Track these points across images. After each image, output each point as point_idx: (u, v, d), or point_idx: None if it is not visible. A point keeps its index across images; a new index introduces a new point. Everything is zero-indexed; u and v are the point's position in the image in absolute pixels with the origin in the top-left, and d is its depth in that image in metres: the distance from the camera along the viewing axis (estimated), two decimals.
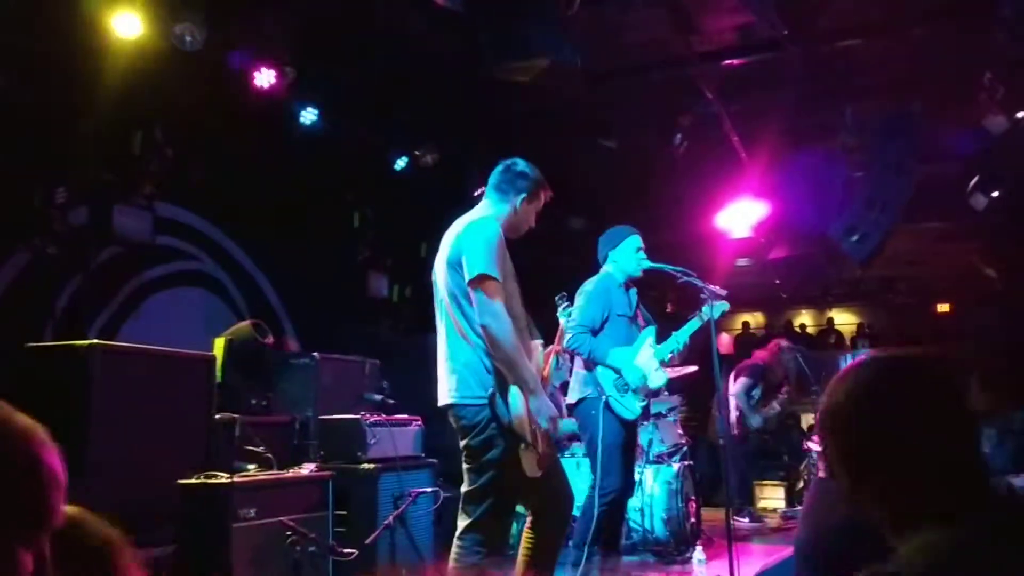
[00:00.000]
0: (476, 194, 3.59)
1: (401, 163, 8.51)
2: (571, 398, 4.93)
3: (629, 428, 4.89)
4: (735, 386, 8.25)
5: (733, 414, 8.20)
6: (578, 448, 6.14)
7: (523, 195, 3.51)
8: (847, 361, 12.32)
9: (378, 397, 5.49)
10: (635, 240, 4.96)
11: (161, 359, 4.59)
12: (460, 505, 3.47)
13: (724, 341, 8.02)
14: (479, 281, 3.20)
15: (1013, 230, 11.42)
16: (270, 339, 5.31)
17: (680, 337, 4.94)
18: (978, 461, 1.30)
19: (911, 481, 1.28)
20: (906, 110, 8.20)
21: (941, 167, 9.44)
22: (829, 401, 1.42)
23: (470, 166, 8.24)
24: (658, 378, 4.88)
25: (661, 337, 5.04)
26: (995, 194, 9.36)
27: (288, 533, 4.11)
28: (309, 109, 7.41)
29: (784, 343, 8.69)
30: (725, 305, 4.89)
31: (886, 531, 1.29)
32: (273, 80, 6.50)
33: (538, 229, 3.69)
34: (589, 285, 4.92)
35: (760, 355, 8.49)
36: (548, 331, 4.64)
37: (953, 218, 10.93)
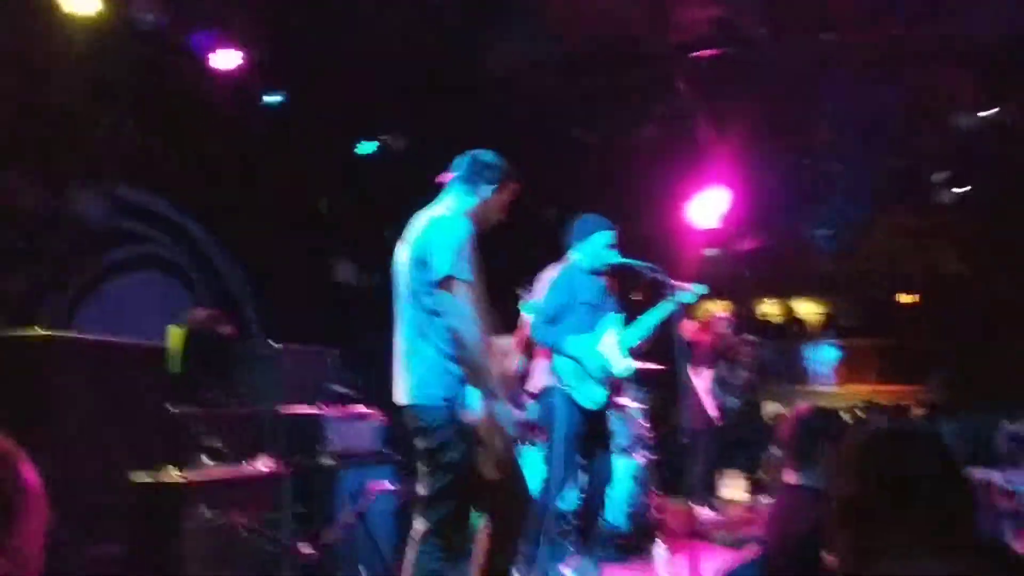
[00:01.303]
0: (439, 180, 3.52)
1: (369, 148, 8.46)
2: (533, 387, 4.95)
3: (592, 418, 4.85)
4: (702, 380, 8.12)
5: (710, 404, 8.08)
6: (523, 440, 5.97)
7: (491, 186, 3.47)
8: (812, 351, 12.37)
9: (340, 389, 5.42)
10: (606, 236, 4.91)
11: (114, 350, 4.47)
12: (417, 508, 3.43)
13: (689, 328, 7.54)
14: (447, 283, 3.16)
15: (980, 226, 11.50)
16: (229, 328, 5.18)
17: (648, 322, 4.92)
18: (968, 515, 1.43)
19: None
20: (879, 105, 8.06)
21: (912, 162, 9.45)
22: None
23: (440, 153, 8.07)
24: (622, 366, 4.86)
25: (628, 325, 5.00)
26: (964, 190, 9.49)
27: (245, 532, 4.03)
28: (273, 92, 7.28)
29: (719, 316, 8.65)
30: (702, 289, 4.88)
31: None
32: (237, 61, 6.35)
33: (508, 220, 3.64)
34: (552, 272, 4.88)
35: (706, 338, 8.36)
36: (511, 323, 4.85)
37: (921, 213, 10.99)
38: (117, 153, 6.44)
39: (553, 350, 4.76)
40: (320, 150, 8.14)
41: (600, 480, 5.00)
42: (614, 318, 4.94)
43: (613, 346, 4.86)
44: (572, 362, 4.73)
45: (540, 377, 4.91)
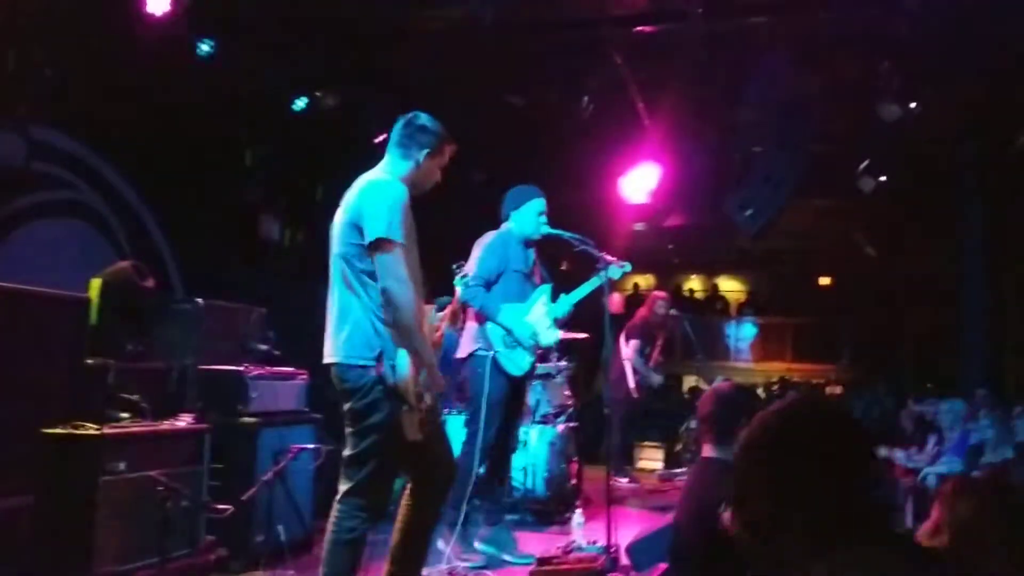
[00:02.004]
0: (377, 141, 3.76)
1: (300, 104, 8.21)
2: (461, 352, 4.91)
3: (516, 384, 4.90)
4: (628, 350, 8.24)
5: (631, 377, 8.17)
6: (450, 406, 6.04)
7: (426, 150, 3.41)
8: (733, 328, 12.92)
9: (263, 347, 5.34)
10: (538, 204, 4.92)
11: (27, 298, 4.28)
12: (341, 468, 3.39)
13: (615, 301, 7.51)
14: (381, 244, 3.12)
15: (894, 213, 11.82)
16: (150, 281, 4.99)
17: (576, 295, 4.97)
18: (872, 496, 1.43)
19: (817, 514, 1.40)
20: (804, 90, 8.20)
21: (833, 147, 9.60)
22: (751, 438, 1.53)
23: (372, 112, 8.02)
24: (550, 336, 4.91)
25: (556, 296, 5.05)
26: (882, 178, 9.63)
27: (159, 488, 3.93)
28: (205, 40, 7.06)
29: (659, 295, 8.76)
30: (627, 266, 4.91)
31: (793, 554, 1.40)
32: (167, 7, 6.11)
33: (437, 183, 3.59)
34: (488, 238, 4.89)
35: (641, 312, 8.53)
36: (441, 290, 4.72)
37: (840, 197, 11.19)
38: (34, 92, 6.18)
39: (483, 314, 4.77)
40: (250, 103, 8.01)
41: (507, 448, 5.05)
42: (543, 288, 4.98)
43: (542, 316, 4.89)
44: (501, 329, 4.76)
45: (468, 342, 4.90)
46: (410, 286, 3.13)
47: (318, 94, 8.14)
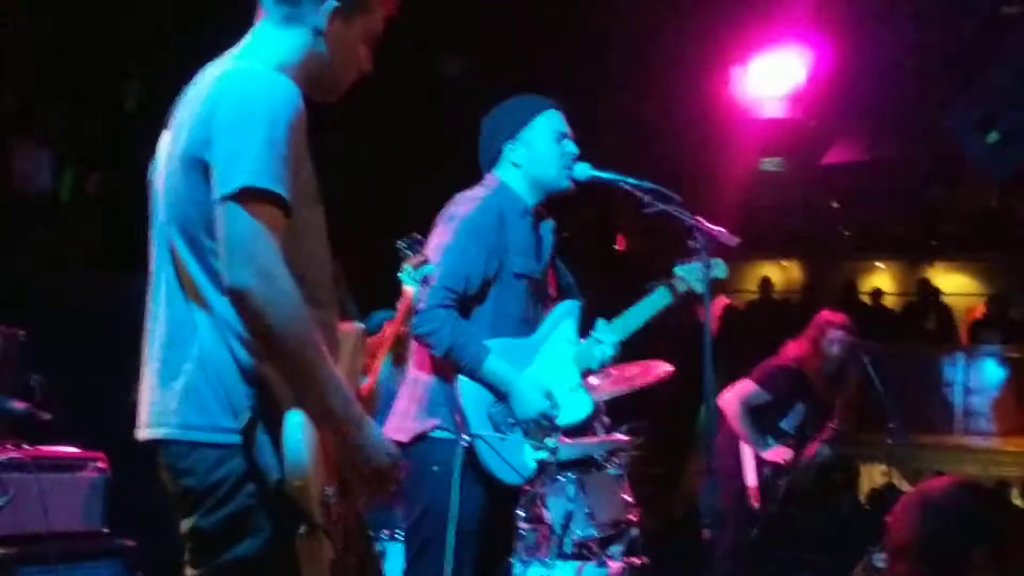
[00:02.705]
0: None
1: None
2: (396, 432, 3.55)
3: (504, 498, 3.72)
4: (731, 397, 5.99)
5: (750, 468, 5.99)
6: (398, 524, 4.50)
7: (331, 4, 2.44)
8: (960, 368, 9.21)
9: (19, 406, 4.54)
10: (553, 118, 3.67)
11: None
12: None
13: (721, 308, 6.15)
14: (242, 199, 2.19)
15: None
16: None
17: (629, 322, 3.79)
18: None
19: None
20: None
21: None
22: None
23: None
24: (578, 405, 3.75)
25: (594, 319, 3.85)
26: None
27: None
28: None
29: (835, 320, 6.20)
30: (721, 267, 3.73)
31: None
32: None
33: (376, 80, 2.62)
34: (464, 205, 3.65)
35: (795, 350, 6.14)
36: (376, 296, 4.22)
37: None
38: None
39: (453, 362, 3.57)
40: None
41: None
42: (566, 307, 3.80)
43: (564, 363, 3.79)
44: (486, 390, 3.60)
45: (416, 410, 3.63)
46: (290, 280, 2.25)
47: None
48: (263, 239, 2.20)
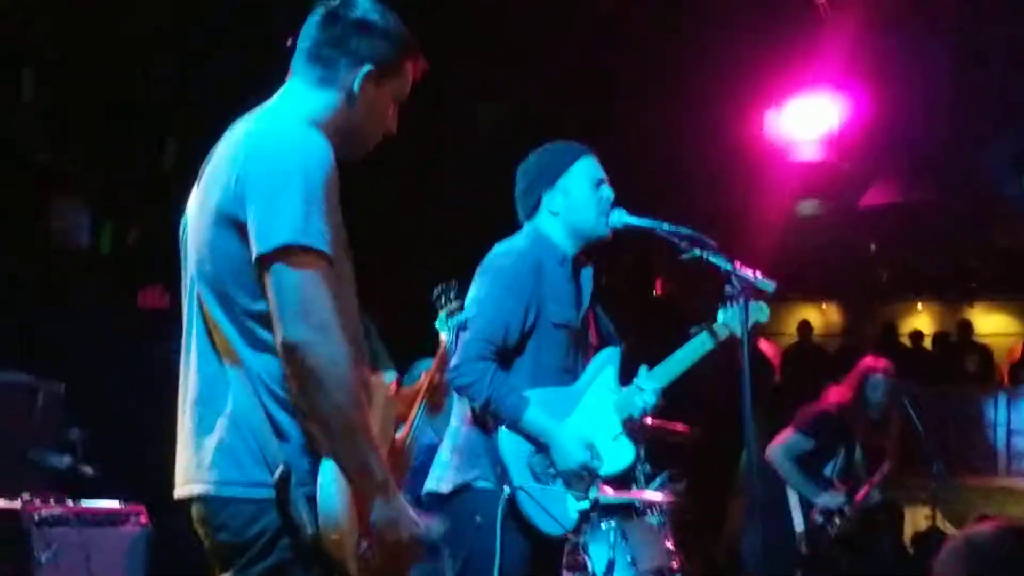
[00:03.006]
0: (288, 44, 2.56)
1: None
2: (440, 483, 3.68)
3: (549, 549, 3.74)
4: (775, 446, 5.96)
5: (797, 514, 6.01)
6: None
7: (367, 68, 2.47)
8: (1003, 409, 9.14)
9: (63, 460, 4.65)
10: (589, 164, 3.73)
11: None
12: None
13: (767, 350, 7.11)
14: (285, 256, 2.20)
15: None
16: None
17: (671, 369, 3.82)
18: None
19: None
20: None
21: None
22: None
23: None
24: (620, 454, 3.78)
25: (634, 365, 3.90)
26: None
27: None
28: None
29: (878, 366, 6.18)
30: (763, 310, 3.81)
31: None
32: None
33: (405, 136, 2.64)
34: (502, 257, 3.70)
35: (837, 395, 6.10)
36: (413, 352, 4.32)
37: None
38: None
39: (492, 413, 3.58)
40: None
41: None
42: (607, 355, 3.83)
43: (605, 412, 3.80)
44: (527, 441, 3.62)
45: (458, 461, 3.70)
46: (340, 335, 2.27)
47: None
48: (317, 293, 2.22)
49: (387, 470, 2.35)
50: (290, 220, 2.21)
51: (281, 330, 2.22)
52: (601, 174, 3.73)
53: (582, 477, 3.69)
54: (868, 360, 6.43)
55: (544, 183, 3.74)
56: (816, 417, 6.08)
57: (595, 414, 3.80)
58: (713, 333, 3.80)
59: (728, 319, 3.80)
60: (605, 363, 3.84)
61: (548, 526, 3.65)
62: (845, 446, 6.13)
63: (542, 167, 3.80)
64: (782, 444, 5.93)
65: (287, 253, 2.20)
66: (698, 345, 3.85)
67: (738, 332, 3.77)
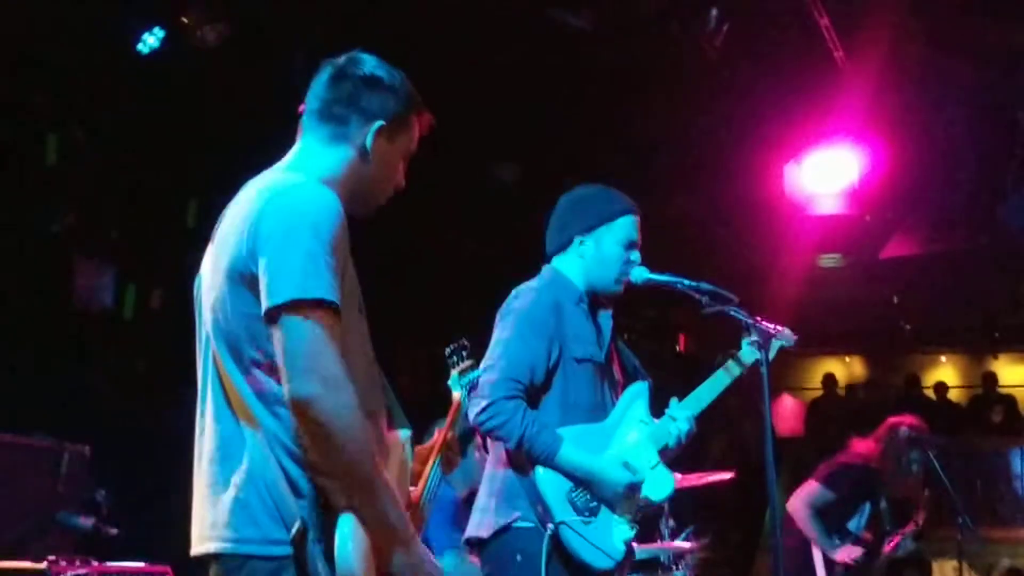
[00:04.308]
0: (300, 110, 2.56)
1: (151, 41, 5.90)
2: (480, 528, 3.61)
3: None
4: (797, 500, 5.82)
5: (820, 567, 5.87)
6: None
7: (378, 124, 2.45)
8: (1022, 455, 9.05)
9: (85, 522, 4.63)
10: (630, 225, 3.67)
11: None
12: None
13: (789, 409, 7.04)
14: (292, 310, 2.18)
15: None
16: None
17: (701, 398, 3.73)
18: None
19: None
20: None
21: None
22: None
23: (297, 56, 5.88)
24: (661, 482, 3.65)
25: (666, 399, 3.79)
26: None
27: None
28: None
29: (906, 423, 6.00)
30: (788, 337, 3.72)
31: None
32: None
33: (416, 190, 2.69)
34: (521, 299, 3.62)
35: (862, 448, 5.96)
36: (430, 410, 4.25)
37: None
38: None
39: (531, 454, 3.51)
40: (54, 41, 6.06)
41: None
42: (637, 389, 3.77)
43: (642, 442, 3.72)
44: (564, 478, 3.53)
45: (495, 504, 3.58)
46: (352, 389, 2.22)
47: (186, 20, 5.93)
48: (325, 347, 2.17)
49: (406, 520, 2.31)
50: (299, 275, 2.20)
51: (290, 385, 2.19)
52: (636, 237, 3.68)
53: (630, 499, 3.65)
54: (894, 418, 6.22)
55: (582, 227, 3.71)
56: (839, 470, 5.90)
57: (632, 445, 3.74)
58: (738, 360, 3.77)
59: (748, 353, 3.75)
60: (636, 396, 3.79)
61: (597, 560, 3.58)
62: (871, 501, 5.96)
63: (586, 210, 3.76)
64: (803, 497, 5.75)
65: (295, 308, 2.18)
66: (725, 373, 3.81)
67: (750, 362, 3.73)
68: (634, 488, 3.58)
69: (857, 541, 5.84)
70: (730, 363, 3.75)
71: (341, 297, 2.25)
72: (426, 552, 2.35)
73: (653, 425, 3.72)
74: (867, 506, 5.89)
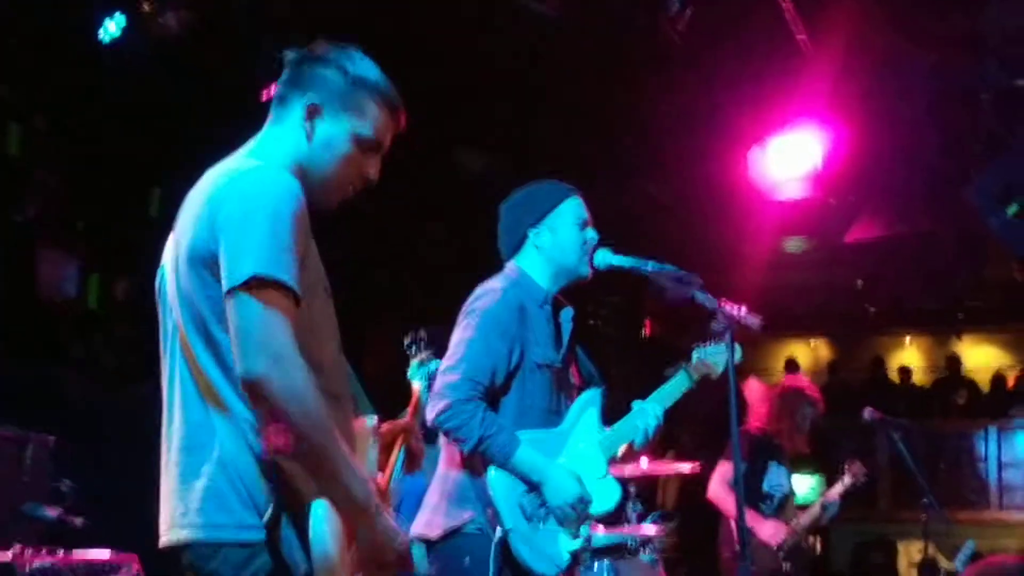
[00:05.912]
0: (267, 99, 2.56)
1: (113, 28, 5.83)
2: (427, 527, 3.61)
3: None
4: (713, 484, 5.85)
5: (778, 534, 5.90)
6: None
7: (310, 98, 2.45)
8: (993, 442, 9.15)
9: (51, 512, 4.56)
10: (576, 205, 3.75)
11: None
12: None
13: (754, 391, 5.85)
14: (251, 288, 2.18)
15: None
16: None
17: (656, 406, 3.77)
18: None
19: None
20: None
21: None
22: None
23: (262, 45, 5.84)
24: (607, 494, 3.75)
25: (632, 385, 4.67)
26: None
27: None
28: None
29: (798, 383, 6.34)
30: (754, 322, 3.63)
31: None
32: None
33: (386, 182, 2.60)
34: (485, 298, 3.64)
35: (753, 420, 6.08)
36: (394, 400, 3.71)
37: None
38: None
39: (485, 455, 3.51)
40: (13, 31, 6.11)
41: None
42: (591, 396, 3.81)
43: (592, 451, 3.78)
44: (519, 481, 3.56)
45: (447, 505, 3.61)
46: (306, 369, 2.20)
47: (148, 7, 5.93)
48: (276, 326, 2.18)
49: (371, 492, 2.30)
50: (255, 254, 2.20)
51: (241, 364, 2.19)
52: (586, 216, 3.69)
53: (575, 513, 3.65)
54: (791, 378, 6.61)
55: (531, 220, 3.71)
56: (738, 441, 6.26)
57: (582, 455, 3.76)
58: (688, 372, 3.79)
59: (704, 356, 3.80)
60: (588, 404, 3.81)
61: (542, 566, 3.59)
62: (776, 460, 6.00)
63: (529, 205, 3.75)
64: (717, 480, 5.79)
65: (249, 286, 2.18)
66: (676, 384, 3.84)
67: (716, 370, 3.81)
68: (583, 502, 3.62)
69: (776, 507, 5.86)
70: (680, 375, 3.82)
71: (304, 280, 2.25)
72: (394, 524, 2.36)
73: (604, 434, 3.76)
74: (775, 466, 5.94)
